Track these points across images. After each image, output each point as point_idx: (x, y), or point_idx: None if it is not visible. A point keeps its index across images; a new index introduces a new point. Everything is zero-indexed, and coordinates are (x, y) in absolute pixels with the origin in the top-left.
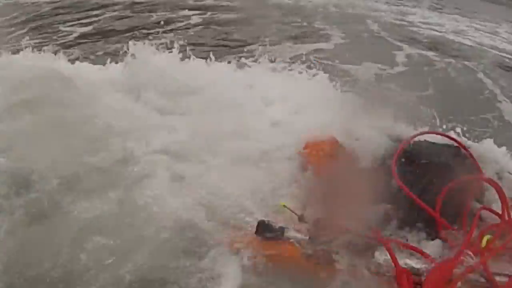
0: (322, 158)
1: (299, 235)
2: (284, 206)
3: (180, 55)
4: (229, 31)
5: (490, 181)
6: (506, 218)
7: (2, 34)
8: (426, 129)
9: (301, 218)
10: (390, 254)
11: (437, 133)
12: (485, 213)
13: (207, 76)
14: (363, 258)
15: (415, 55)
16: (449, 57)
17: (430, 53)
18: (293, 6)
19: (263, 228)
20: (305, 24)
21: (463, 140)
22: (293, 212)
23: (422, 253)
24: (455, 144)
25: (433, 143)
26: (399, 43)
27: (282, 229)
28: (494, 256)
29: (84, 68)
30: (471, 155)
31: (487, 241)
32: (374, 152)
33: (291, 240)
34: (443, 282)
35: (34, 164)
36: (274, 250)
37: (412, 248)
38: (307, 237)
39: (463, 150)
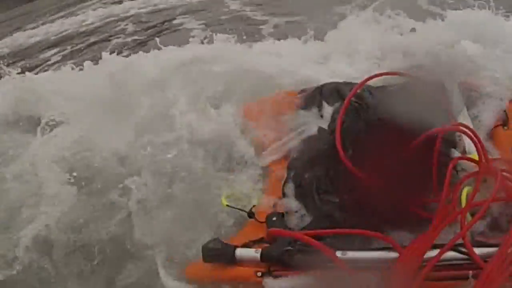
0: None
1: (250, 254)
2: (227, 206)
3: None
4: None
5: (461, 128)
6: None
7: None
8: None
9: (251, 215)
10: None
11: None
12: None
13: None
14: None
15: None
16: None
17: None
18: None
19: (207, 254)
20: None
21: None
22: (240, 210)
23: (385, 238)
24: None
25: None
26: None
27: (231, 250)
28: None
29: None
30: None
31: (467, 196)
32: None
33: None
34: (413, 269)
35: None
36: (228, 275)
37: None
38: (259, 255)
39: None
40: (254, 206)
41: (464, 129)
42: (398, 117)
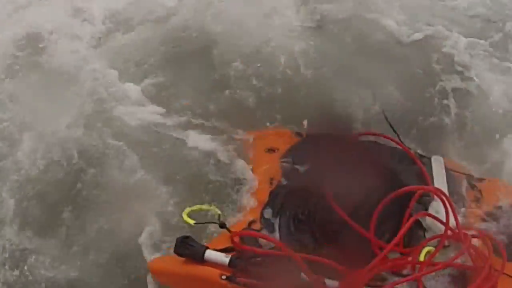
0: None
1: (219, 258)
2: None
3: None
4: None
5: (434, 190)
6: (453, 227)
7: None
8: None
9: (222, 225)
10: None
11: (376, 134)
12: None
13: None
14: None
15: None
16: None
17: None
18: None
19: (180, 245)
20: None
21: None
22: (211, 222)
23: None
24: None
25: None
26: None
27: (202, 249)
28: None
29: None
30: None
31: (427, 254)
32: None
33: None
34: None
35: None
36: (193, 272)
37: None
38: (228, 260)
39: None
40: (219, 214)
41: (438, 192)
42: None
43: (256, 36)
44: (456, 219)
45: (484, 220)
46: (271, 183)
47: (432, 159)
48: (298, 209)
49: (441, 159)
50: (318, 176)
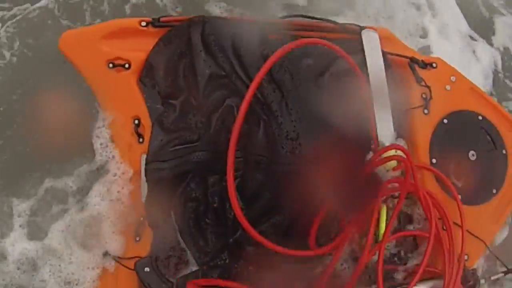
0: None
1: None
2: None
3: None
4: None
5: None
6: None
7: None
8: None
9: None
10: None
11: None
12: None
13: None
14: None
15: None
16: None
17: None
18: None
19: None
20: None
21: None
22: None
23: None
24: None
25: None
26: None
27: None
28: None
29: None
30: None
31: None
32: None
33: None
34: None
35: None
36: None
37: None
38: None
39: None
40: None
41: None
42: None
43: None
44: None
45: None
46: (139, 140)
47: (363, 34)
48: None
49: (375, 34)
50: (205, 113)
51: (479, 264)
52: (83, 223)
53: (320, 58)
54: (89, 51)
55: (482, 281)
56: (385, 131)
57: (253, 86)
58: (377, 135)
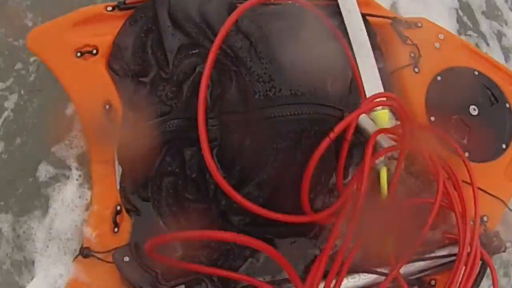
0: None
1: None
2: None
3: None
4: None
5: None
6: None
7: None
8: None
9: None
10: None
11: None
12: None
13: None
14: None
15: None
16: None
17: None
18: None
19: None
20: None
21: None
22: None
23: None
24: None
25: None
26: None
27: None
28: None
29: None
30: None
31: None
32: None
33: None
34: None
35: None
36: None
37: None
38: None
39: None
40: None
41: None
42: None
43: None
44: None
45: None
46: (110, 121)
47: None
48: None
49: None
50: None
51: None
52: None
53: (293, 19)
54: (56, 44)
55: (508, 244)
56: (373, 87)
57: (219, 36)
58: (364, 93)
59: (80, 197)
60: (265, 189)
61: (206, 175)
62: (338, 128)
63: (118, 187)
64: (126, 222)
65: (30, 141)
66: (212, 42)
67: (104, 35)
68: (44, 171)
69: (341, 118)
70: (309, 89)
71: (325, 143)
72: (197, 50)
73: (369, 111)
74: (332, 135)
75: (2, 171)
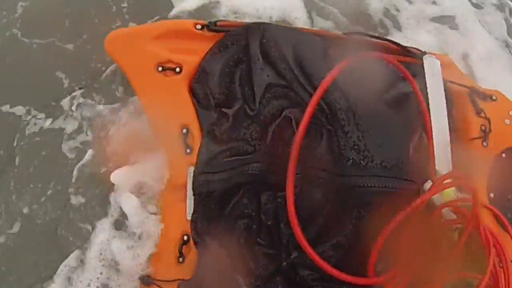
0: None
1: None
2: None
3: None
4: None
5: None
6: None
7: None
8: None
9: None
10: None
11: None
12: None
13: None
14: None
15: None
16: None
17: None
18: None
19: None
20: None
21: None
22: None
23: None
24: None
25: None
26: None
27: None
28: None
29: None
30: None
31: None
32: None
33: None
34: None
35: None
36: None
37: None
38: None
39: None
40: None
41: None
42: None
43: None
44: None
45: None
46: (186, 151)
47: (425, 60)
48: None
49: (437, 60)
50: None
51: None
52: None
53: (383, 77)
54: (137, 52)
55: None
56: (443, 160)
57: (318, 92)
58: (434, 163)
59: None
60: (340, 251)
61: (281, 224)
62: (415, 205)
63: (189, 218)
64: (192, 254)
65: None
66: (304, 88)
67: (189, 54)
68: None
69: (418, 193)
70: (398, 162)
71: (400, 216)
72: (287, 93)
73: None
74: (409, 209)
75: None
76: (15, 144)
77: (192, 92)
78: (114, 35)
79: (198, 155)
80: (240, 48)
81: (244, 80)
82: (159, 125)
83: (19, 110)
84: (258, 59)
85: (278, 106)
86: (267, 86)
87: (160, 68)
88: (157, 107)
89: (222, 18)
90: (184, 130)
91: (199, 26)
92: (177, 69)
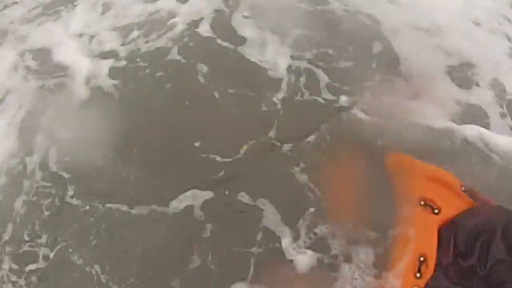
0: None
1: None
2: None
3: None
4: None
5: None
6: None
7: None
8: None
9: None
10: None
11: None
12: None
13: None
14: None
15: None
16: None
17: None
18: None
19: None
20: None
21: None
22: None
23: None
24: None
25: None
26: None
27: None
28: None
29: None
30: None
31: None
32: None
33: None
34: None
35: None
36: None
37: None
38: None
39: None
40: None
41: None
42: None
43: None
44: None
45: None
46: (416, 275)
47: None
48: None
49: None
50: None
51: None
52: None
53: None
54: (410, 179)
55: None
56: None
57: None
58: None
59: None
60: None
61: None
62: None
63: None
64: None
65: None
66: None
67: (449, 205)
68: None
69: None
70: None
71: None
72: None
73: None
74: None
75: None
76: None
77: (441, 233)
78: (397, 156)
79: (426, 283)
80: (491, 223)
81: (483, 248)
82: (402, 243)
83: None
84: (498, 239)
85: (499, 279)
86: (497, 261)
87: (422, 202)
88: (407, 228)
89: None
90: (422, 258)
91: (463, 188)
92: (436, 211)
